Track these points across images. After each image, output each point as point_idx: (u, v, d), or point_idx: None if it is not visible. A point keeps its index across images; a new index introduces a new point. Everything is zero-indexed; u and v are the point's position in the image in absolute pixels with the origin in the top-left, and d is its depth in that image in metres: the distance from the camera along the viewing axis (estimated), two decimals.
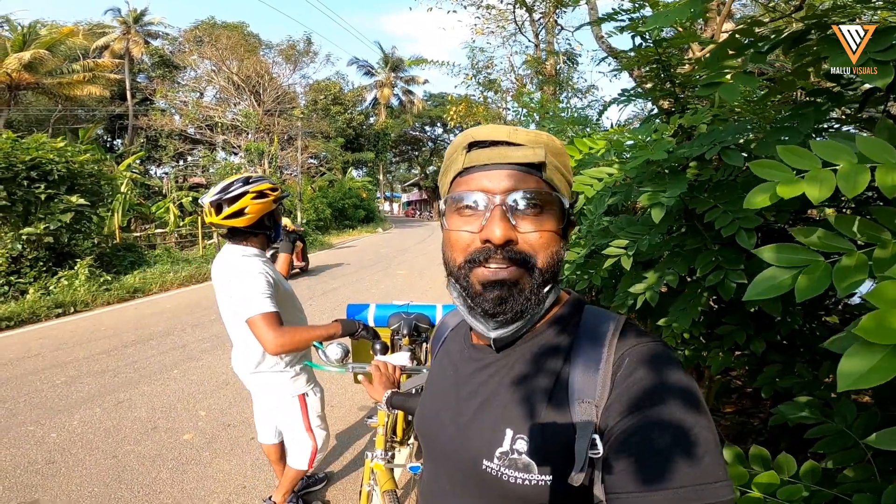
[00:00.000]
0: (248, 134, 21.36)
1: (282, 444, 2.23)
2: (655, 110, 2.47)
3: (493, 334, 0.62)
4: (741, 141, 1.27)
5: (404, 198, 56.87)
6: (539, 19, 9.07)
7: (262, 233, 1.88)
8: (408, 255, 13.77)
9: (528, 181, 0.59)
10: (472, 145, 0.63)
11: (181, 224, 15.14)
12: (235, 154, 22.40)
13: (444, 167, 0.68)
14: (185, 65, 23.55)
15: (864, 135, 0.87)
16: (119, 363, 4.62)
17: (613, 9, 1.96)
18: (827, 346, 0.64)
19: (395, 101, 38.24)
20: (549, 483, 0.55)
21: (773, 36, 1.06)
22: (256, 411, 2.15)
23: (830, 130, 1.37)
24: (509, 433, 0.58)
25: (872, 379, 0.53)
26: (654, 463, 0.48)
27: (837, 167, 0.67)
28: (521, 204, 0.58)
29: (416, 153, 43.19)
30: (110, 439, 3.15)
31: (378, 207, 34.60)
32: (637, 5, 1.86)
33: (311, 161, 26.40)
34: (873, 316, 0.54)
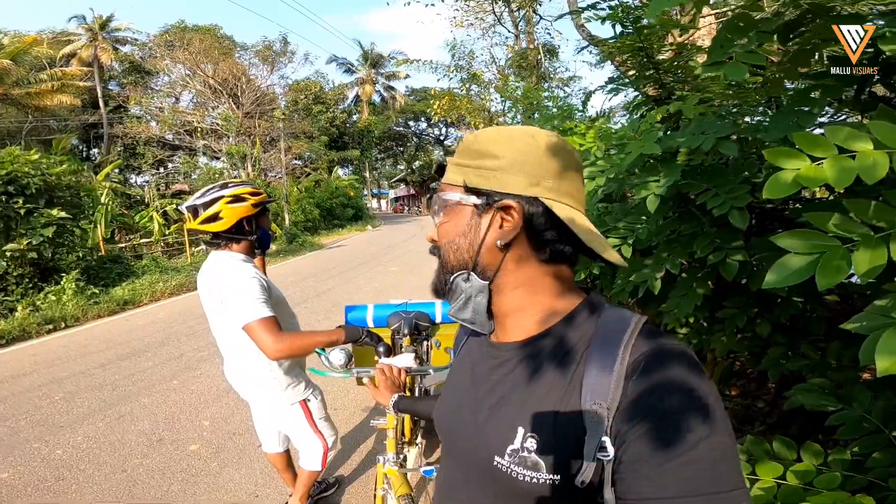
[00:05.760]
0: (229, 138, 21.03)
1: (287, 452, 2.22)
2: (639, 96, 2.49)
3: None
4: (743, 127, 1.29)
5: (392, 194, 56.59)
6: (517, 10, 9.05)
7: (245, 238, 1.84)
8: (399, 252, 13.74)
9: (439, 189, 0.69)
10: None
11: (166, 232, 14.89)
12: (217, 159, 22.04)
13: None
14: (158, 70, 23.02)
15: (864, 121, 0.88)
16: (116, 376, 4.57)
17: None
18: (848, 327, 0.65)
19: (377, 98, 37.84)
20: (556, 482, 0.56)
21: (774, 17, 1.08)
22: (257, 421, 2.12)
23: (835, 118, 1.39)
24: (521, 431, 0.59)
25: None
26: (667, 470, 0.48)
27: (854, 153, 0.68)
28: (434, 208, 0.69)
29: (402, 149, 42.90)
30: (117, 454, 3.13)
31: (366, 205, 34.38)
32: None
33: (296, 162, 26.10)
34: None
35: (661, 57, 2.15)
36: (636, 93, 2.50)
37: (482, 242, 0.63)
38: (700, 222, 1.45)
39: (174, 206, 17.83)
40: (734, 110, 1.72)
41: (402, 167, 46.28)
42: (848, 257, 0.67)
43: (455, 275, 0.66)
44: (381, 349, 1.74)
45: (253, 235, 1.86)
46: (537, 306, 0.65)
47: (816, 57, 1.12)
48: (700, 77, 2.09)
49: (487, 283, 0.65)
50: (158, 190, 20.28)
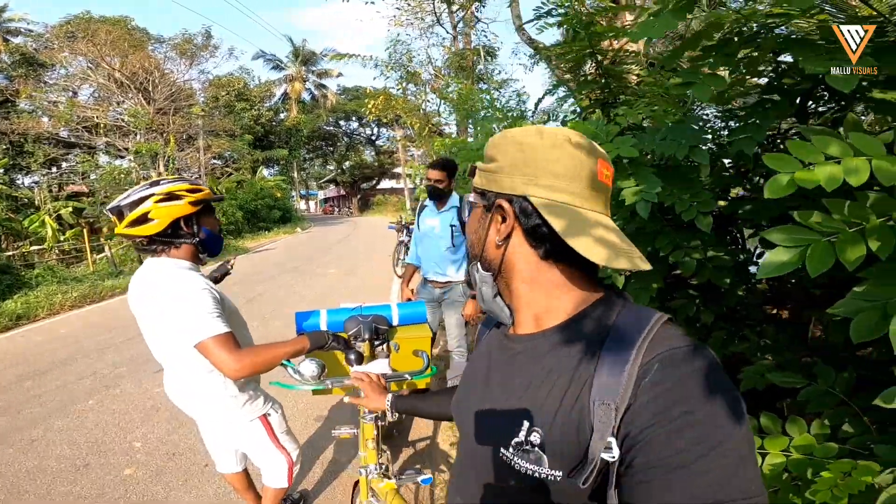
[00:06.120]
0: (136, 135, 19.22)
1: (246, 471, 2.06)
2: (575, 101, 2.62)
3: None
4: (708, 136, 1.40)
5: (321, 195, 54.84)
6: (456, 11, 9.20)
7: (185, 242, 1.64)
8: (334, 254, 13.34)
9: None
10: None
11: (61, 238, 13.29)
12: (122, 157, 20.05)
13: None
14: (54, 62, 20.52)
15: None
16: (19, 398, 4.03)
17: (543, 2, 2.06)
18: (833, 311, 0.75)
19: (307, 96, 36.56)
20: (557, 478, 0.56)
21: (735, 39, 1.19)
22: (208, 440, 1.93)
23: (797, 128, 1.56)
24: (526, 425, 0.60)
25: (881, 330, 0.66)
26: (679, 477, 0.47)
27: (838, 159, 0.79)
28: None
29: (332, 149, 41.67)
30: (38, 481, 2.77)
31: (294, 206, 33.00)
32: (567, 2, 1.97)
33: (216, 161, 24.43)
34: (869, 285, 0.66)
35: (606, 62, 2.28)
36: (571, 97, 2.63)
37: (485, 239, 0.68)
38: (662, 223, 1.56)
39: (69, 209, 15.97)
40: (707, 118, 1.88)
41: (332, 167, 45.02)
42: (831, 249, 0.78)
43: (472, 265, 0.73)
44: (352, 356, 1.64)
45: (194, 238, 1.65)
46: (543, 302, 0.66)
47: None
48: (641, 84, 2.26)
49: (491, 274, 0.70)
50: (51, 191, 18.06)
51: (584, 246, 0.58)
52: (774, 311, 2.01)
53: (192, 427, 3.22)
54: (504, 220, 0.65)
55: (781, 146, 1.38)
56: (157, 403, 3.77)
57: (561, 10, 2.00)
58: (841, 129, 0.87)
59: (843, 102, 1.36)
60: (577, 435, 0.55)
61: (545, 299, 0.66)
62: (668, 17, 0.96)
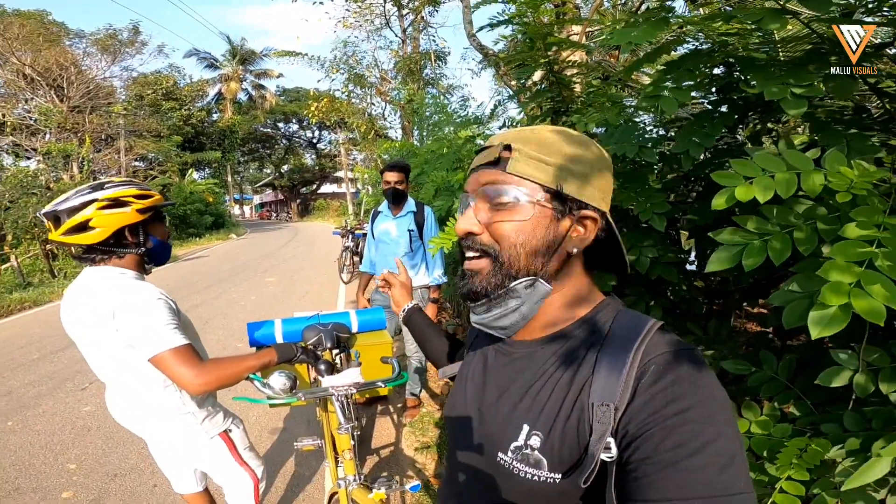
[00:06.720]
0: (46, 134, 17.44)
1: (207, 491, 1.93)
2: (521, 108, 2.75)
3: (474, 318, 0.68)
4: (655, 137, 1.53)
5: (257, 199, 52.48)
6: (406, 14, 9.23)
7: (128, 252, 1.51)
8: (273, 261, 12.82)
9: (492, 176, 0.63)
10: (477, 152, 0.70)
11: None
12: (29, 158, 18.09)
13: None
14: None
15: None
16: None
17: (498, 12, 2.16)
18: (770, 301, 0.89)
19: (243, 97, 34.85)
20: (557, 481, 0.57)
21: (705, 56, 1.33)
22: (161, 460, 1.79)
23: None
24: (525, 429, 0.61)
25: (833, 328, 0.77)
26: (672, 473, 0.48)
27: (774, 174, 0.93)
28: (484, 198, 0.63)
29: (269, 151, 40.02)
30: None
31: (228, 211, 31.33)
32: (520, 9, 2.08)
33: (138, 164, 22.67)
34: (829, 287, 0.78)
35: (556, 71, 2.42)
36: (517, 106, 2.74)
37: (558, 248, 0.62)
38: (619, 224, 1.69)
39: None
40: (646, 125, 2.04)
41: (269, 171, 43.24)
42: (764, 248, 0.93)
43: (520, 280, 0.62)
44: (321, 367, 1.60)
45: (140, 248, 1.52)
46: (566, 311, 0.66)
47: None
48: (590, 94, 2.42)
49: (551, 289, 0.64)
50: None
51: (628, 260, 0.66)
52: (709, 304, 2.22)
53: (131, 446, 3.00)
54: (583, 231, 0.63)
55: (716, 158, 1.55)
56: (87, 423, 3.44)
57: (523, 20, 2.10)
58: (779, 143, 1.02)
59: (772, 117, 1.55)
60: (578, 438, 0.56)
61: (570, 309, 0.66)
62: (648, 28, 1.05)
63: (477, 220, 0.64)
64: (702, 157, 1.47)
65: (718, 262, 0.97)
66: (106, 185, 1.47)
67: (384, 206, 3.16)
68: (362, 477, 1.56)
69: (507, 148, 0.63)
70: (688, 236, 2.05)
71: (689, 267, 2.03)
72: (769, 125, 1.92)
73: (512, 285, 0.63)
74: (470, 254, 0.65)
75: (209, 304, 7.67)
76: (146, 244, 1.53)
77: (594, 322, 0.64)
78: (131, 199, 1.47)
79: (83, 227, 1.40)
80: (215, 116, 31.01)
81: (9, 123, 16.97)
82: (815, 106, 1.26)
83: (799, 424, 1.13)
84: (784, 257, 0.91)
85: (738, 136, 2.04)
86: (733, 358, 1.39)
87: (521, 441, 0.60)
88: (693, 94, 1.75)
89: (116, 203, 1.44)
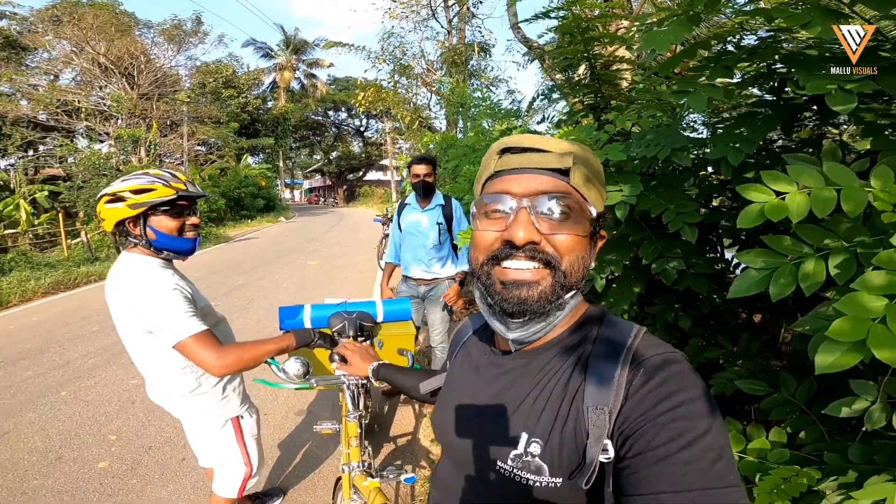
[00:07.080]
0: (118, 120, 18.73)
1: None
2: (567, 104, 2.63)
3: (511, 335, 0.64)
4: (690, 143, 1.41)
5: (306, 184, 54.23)
6: (452, 4, 9.14)
7: (136, 243, 1.56)
8: (317, 245, 13.21)
9: (554, 185, 0.61)
10: (505, 151, 0.66)
11: (35, 223, 12.93)
12: (102, 142, 19.53)
13: (479, 172, 0.70)
14: (37, 46, 19.87)
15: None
16: None
17: (544, 7, 2.07)
18: (795, 327, 0.78)
19: (296, 85, 36.09)
20: (558, 485, 0.58)
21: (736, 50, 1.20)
22: (189, 436, 1.86)
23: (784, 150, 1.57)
24: (524, 437, 0.61)
25: (841, 365, 0.67)
26: (664, 467, 0.50)
27: (810, 189, 0.81)
28: (546, 207, 0.60)
29: (319, 138, 41.23)
30: (10, 475, 2.71)
31: (279, 195, 32.59)
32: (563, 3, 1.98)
33: (199, 148, 23.97)
34: (842, 321, 0.68)
35: (599, 66, 2.29)
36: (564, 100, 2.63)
37: (590, 260, 0.65)
38: (645, 231, 1.58)
39: (45, 192, 15.50)
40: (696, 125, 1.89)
41: (318, 157, 44.51)
42: (795, 272, 0.81)
43: (573, 292, 0.64)
44: (335, 356, 1.64)
45: (141, 240, 1.56)
46: (564, 321, 0.67)
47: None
48: (633, 90, 2.28)
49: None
50: (27, 174, 17.52)
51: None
52: (746, 317, 2.06)
53: (168, 420, 3.18)
54: (599, 243, 0.68)
55: (766, 161, 1.40)
56: (132, 395, 3.70)
57: (560, 13, 2.00)
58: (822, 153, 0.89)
59: (830, 119, 1.39)
60: (576, 442, 0.57)
61: (568, 318, 0.67)
62: (674, 29, 0.95)
63: (536, 228, 0.60)
64: (750, 160, 1.34)
65: (741, 287, 0.86)
66: (126, 179, 1.54)
67: (411, 198, 3.16)
68: (366, 464, 1.57)
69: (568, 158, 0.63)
70: (730, 243, 1.91)
71: (731, 276, 1.88)
72: (828, 128, 1.73)
73: (567, 297, 0.63)
74: (524, 264, 0.60)
75: (254, 284, 8.02)
76: (147, 236, 1.56)
77: (583, 329, 0.66)
78: (127, 195, 1.51)
79: (99, 216, 1.55)
80: (270, 104, 32.26)
81: (84, 109, 18.37)
82: (869, 109, 1.10)
83: (805, 451, 1.04)
84: (817, 286, 0.80)
85: (795, 138, 1.86)
86: (760, 374, 1.29)
87: (520, 449, 0.61)
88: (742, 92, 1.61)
89: (115, 198, 1.52)
